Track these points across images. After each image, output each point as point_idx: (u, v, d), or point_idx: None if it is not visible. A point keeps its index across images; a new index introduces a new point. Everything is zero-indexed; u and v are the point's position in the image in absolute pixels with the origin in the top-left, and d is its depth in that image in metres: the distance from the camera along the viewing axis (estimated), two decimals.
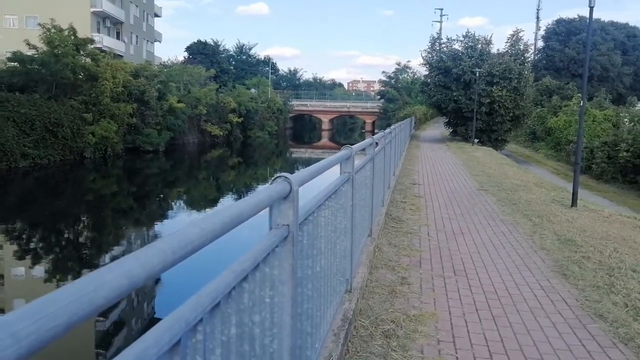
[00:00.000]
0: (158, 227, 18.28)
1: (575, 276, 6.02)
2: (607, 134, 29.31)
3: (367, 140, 5.86)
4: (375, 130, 77.61)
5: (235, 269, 1.70)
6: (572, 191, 11.08)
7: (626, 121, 30.39)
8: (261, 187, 2.22)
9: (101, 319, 9.90)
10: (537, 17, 73.14)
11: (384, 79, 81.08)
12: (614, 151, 25.66)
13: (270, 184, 2.16)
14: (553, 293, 5.51)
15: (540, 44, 67.16)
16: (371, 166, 6.02)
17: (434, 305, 5.01)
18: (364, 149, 5.78)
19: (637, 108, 29.50)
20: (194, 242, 1.30)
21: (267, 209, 2.14)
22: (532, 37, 69.59)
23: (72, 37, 33.33)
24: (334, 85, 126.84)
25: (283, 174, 2.23)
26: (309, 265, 2.82)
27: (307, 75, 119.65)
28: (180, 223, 18.63)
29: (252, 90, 67.27)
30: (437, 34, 35.83)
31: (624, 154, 24.19)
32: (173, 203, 23.49)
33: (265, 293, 2.04)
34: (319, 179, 3.00)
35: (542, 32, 68.07)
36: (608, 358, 4.06)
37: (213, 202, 23.35)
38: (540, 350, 4.16)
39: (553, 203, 11.09)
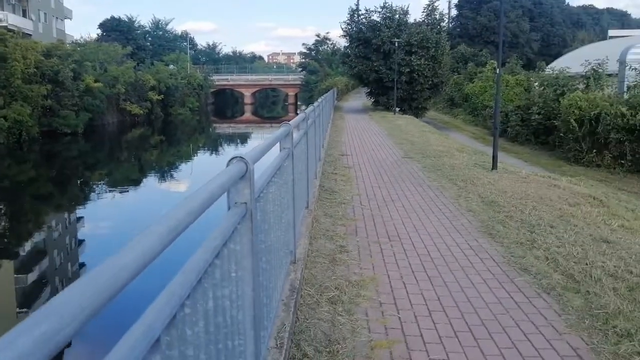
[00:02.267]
0: (81, 211, 17.80)
1: (501, 235, 6.46)
2: (519, 98, 30.63)
3: (301, 116, 6.01)
4: (299, 103, 77.65)
5: (209, 246, 1.82)
6: (492, 155, 11.68)
7: (536, 85, 31.89)
8: (220, 170, 2.30)
9: (24, 310, 9.64)
10: None
11: (304, 50, 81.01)
12: (526, 114, 26.89)
13: (227, 165, 2.27)
14: (481, 252, 5.91)
15: (454, 12, 68.92)
16: (305, 140, 6.17)
17: (373, 271, 5.28)
18: (298, 125, 5.92)
19: (546, 72, 30.85)
20: (183, 223, 1.42)
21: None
22: (446, 6, 71.22)
23: None
24: (254, 59, 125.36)
25: (239, 154, 2.34)
26: (262, 240, 2.96)
27: (226, 49, 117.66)
28: (104, 206, 18.22)
29: (171, 66, 65.50)
30: (356, 5, 36.01)
31: (536, 116, 25.39)
32: (95, 186, 22.84)
33: (231, 268, 2.17)
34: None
35: (455, 1, 69.91)
36: (534, 307, 4.46)
37: (136, 183, 22.91)
38: (474, 305, 4.51)
39: (475, 167, 11.67)
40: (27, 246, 13.80)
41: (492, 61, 43.82)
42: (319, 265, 5.21)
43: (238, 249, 2.27)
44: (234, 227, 2.17)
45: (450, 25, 64.44)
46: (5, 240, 14.53)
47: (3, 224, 16.51)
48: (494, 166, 11.42)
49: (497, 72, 11.98)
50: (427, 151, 14.36)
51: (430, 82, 33.44)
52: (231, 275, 2.16)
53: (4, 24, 36.62)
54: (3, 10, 43.83)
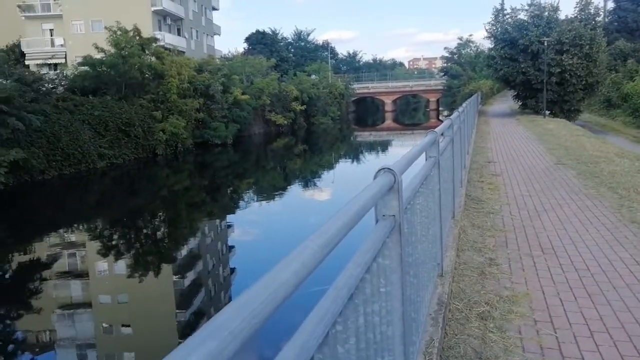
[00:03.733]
0: (230, 218, 18.75)
1: None
2: None
3: (446, 123, 5.83)
4: (440, 108, 76.33)
5: (359, 261, 1.77)
6: None
7: None
8: (369, 183, 2.26)
9: (182, 310, 10.29)
10: None
11: (446, 54, 79.18)
12: None
13: (375, 177, 2.21)
14: None
15: (611, 5, 63.60)
16: (451, 148, 5.98)
17: (526, 285, 4.95)
18: (442, 133, 5.75)
19: None
20: (336, 237, 1.38)
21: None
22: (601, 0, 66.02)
23: (137, 38, 34.39)
24: (395, 65, 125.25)
25: (387, 165, 2.27)
26: (409, 253, 2.87)
27: (366, 57, 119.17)
28: (251, 213, 19.05)
29: (313, 76, 67.46)
30: (500, 4, 34.70)
31: None
32: (243, 194, 24.00)
33: (380, 282, 2.10)
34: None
35: None
36: None
37: (281, 191, 23.71)
38: None
39: (639, 174, 10.63)
40: (184, 251, 14.77)
41: None
42: (467, 278, 4.99)
43: (387, 263, 2.20)
44: (382, 240, 2.10)
45: (607, 20, 59.67)
46: (165, 245, 15.67)
47: (163, 229, 17.87)
48: None
49: None
50: (582, 157, 13.35)
51: (583, 82, 31.24)
52: (380, 290, 2.10)
53: (161, 43, 39.84)
54: (160, 31, 47.83)
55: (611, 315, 4.29)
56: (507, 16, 33.88)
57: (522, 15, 33.06)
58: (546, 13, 32.22)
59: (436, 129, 4.36)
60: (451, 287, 4.54)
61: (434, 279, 4.14)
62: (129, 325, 9.82)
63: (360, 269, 1.73)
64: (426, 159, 4.12)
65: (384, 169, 2.26)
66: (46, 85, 29.86)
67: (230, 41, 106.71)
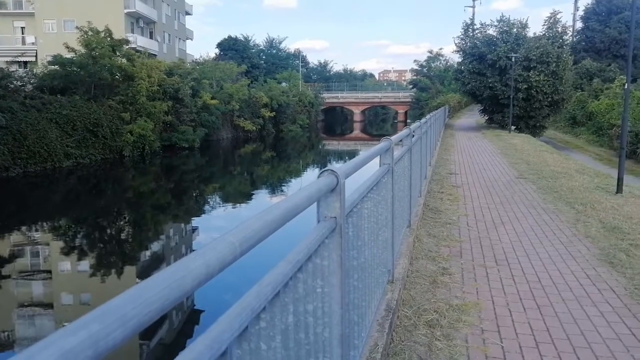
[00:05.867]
0: (195, 221, 18.59)
1: (623, 264, 5.92)
2: None
3: (404, 132, 5.89)
4: (408, 120, 77.02)
5: (291, 259, 1.77)
6: (617, 177, 10.84)
7: None
8: (310, 182, 2.29)
9: None
10: None
11: (416, 67, 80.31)
12: None
13: (318, 177, 2.22)
14: (600, 282, 5.45)
15: (579, 24, 64.97)
16: (409, 157, 6.04)
17: (477, 295, 5.02)
18: (401, 140, 5.81)
19: None
20: (258, 234, 1.38)
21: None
22: (570, 19, 67.35)
23: (109, 39, 34.00)
24: (365, 76, 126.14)
25: (330, 167, 2.28)
26: (354, 257, 2.89)
27: (337, 67, 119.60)
28: (217, 217, 18.93)
29: (283, 84, 67.53)
30: (470, 19, 35.28)
31: None
32: (209, 198, 23.82)
33: (317, 283, 2.11)
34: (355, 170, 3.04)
35: (580, 13, 65.79)
36: None
37: (248, 197, 23.60)
38: (588, 339, 4.13)
39: (597, 190, 10.87)
40: (148, 253, 14.60)
41: (622, 77, 41.17)
42: (418, 286, 5.04)
43: (325, 264, 2.21)
44: (320, 241, 2.11)
45: (575, 39, 61.05)
46: (129, 246, 15.46)
47: (127, 231, 17.62)
48: (619, 189, 10.57)
49: (626, 87, 11.15)
50: (544, 172, 13.63)
51: (549, 99, 31.84)
52: (316, 291, 2.11)
53: (133, 45, 39.53)
54: (133, 33, 47.46)
55: (558, 326, 4.38)
56: (477, 31, 34.43)
57: (491, 31, 33.67)
58: (515, 30, 32.84)
59: (392, 137, 4.40)
60: (401, 294, 4.58)
61: (383, 285, 4.17)
62: None
63: (291, 267, 1.74)
64: (380, 166, 4.15)
65: (327, 170, 2.27)
66: (14, 82, 29.46)
67: (202, 46, 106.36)
